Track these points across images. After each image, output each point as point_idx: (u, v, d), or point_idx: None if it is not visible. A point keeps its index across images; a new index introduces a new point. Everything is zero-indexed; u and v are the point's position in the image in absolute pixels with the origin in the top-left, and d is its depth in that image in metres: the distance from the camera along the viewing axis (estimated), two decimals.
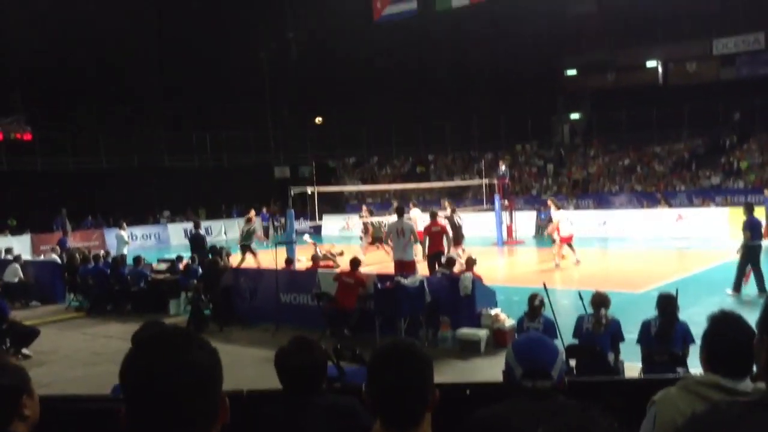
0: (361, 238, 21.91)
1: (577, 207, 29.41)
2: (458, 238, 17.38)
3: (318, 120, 26.76)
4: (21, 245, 24.44)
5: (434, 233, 14.84)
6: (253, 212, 21.39)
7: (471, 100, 39.90)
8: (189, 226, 32.92)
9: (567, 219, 18.20)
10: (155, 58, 39.02)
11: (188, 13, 37.54)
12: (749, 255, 13.16)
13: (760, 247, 13.33)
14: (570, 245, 17.81)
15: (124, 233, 21.15)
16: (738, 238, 13.98)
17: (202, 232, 19.62)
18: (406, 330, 10.37)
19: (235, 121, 37.54)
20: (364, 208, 24.93)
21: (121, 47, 34.78)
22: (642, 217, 25.10)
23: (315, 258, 15.03)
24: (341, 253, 19.69)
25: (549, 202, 19.38)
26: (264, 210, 31.63)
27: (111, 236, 29.61)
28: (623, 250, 21.04)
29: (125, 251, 19.52)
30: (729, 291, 13.04)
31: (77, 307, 15.50)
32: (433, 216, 15.30)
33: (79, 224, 30.67)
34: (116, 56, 34.79)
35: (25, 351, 10.99)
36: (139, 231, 30.29)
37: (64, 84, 33.36)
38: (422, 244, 14.78)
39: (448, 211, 18.55)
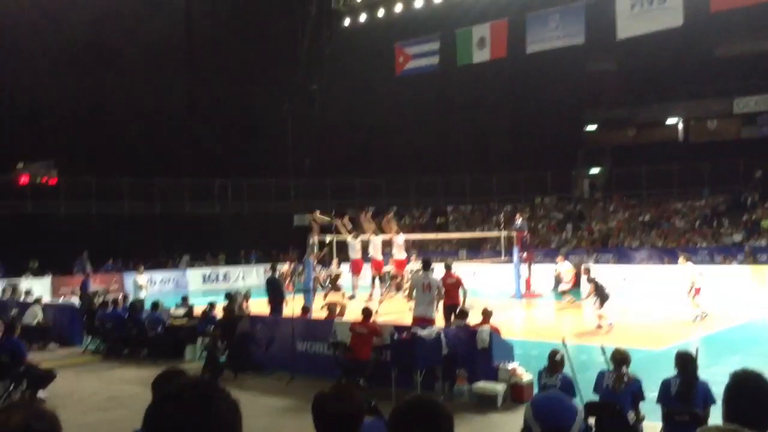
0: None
1: (597, 261, 29.21)
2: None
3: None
4: (41, 287, 24.67)
5: (449, 285, 14.52)
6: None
7: (491, 153, 40.16)
8: (207, 271, 33.29)
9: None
10: (181, 106, 39.84)
11: (215, 63, 38.46)
12: None
13: None
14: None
15: (140, 278, 21.25)
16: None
17: (277, 275, 19.32)
18: (422, 382, 10.26)
19: (256, 169, 38.02)
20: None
21: (150, 94, 35.58)
22: (663, 273, 24.84)
23: (330, 308, 14.97)
24: (352, 297, 19.59)
25: (681, 258, 18.47)
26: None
27: (130, 280, 29.88)
28: (644, 306, 20.77)
29: (142, 296, 19.62)
30: None
31: (94, 350, 15.53)
32: (448, 267, 15.08)
33: (99, 267, 30.96)
34: (145, 103, 35.58)
35: (40, 394, 10.99)
36: (158, 276, 30.47)
37: (91, 131, 34.10)
38: (436, 297, 14.31)
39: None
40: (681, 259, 18.26)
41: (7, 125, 32.01)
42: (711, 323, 16.87)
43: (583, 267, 19.22)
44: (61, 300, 22.50)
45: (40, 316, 16.90)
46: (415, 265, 19.98)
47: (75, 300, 18.95)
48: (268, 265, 22.32)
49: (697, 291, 17.36)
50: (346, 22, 38.04)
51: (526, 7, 25.21)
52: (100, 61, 34.32)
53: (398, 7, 34.27)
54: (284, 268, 25.79)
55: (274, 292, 17.04)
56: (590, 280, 17.21)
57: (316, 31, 41.22)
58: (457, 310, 12.84)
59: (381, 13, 35.44)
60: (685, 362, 6.80)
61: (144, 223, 33.76)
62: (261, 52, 39.82)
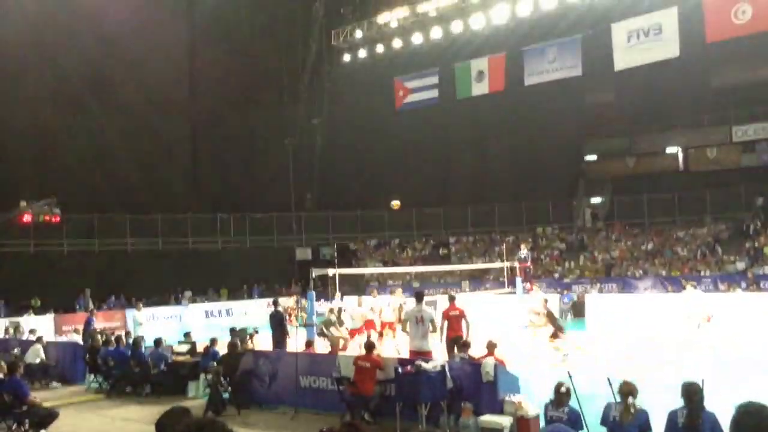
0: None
1: (601, 291, 29.15)
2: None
3: (395, 204, 26.65)
4: (44, 325, 24.58)
5: (452, 317, 14.31)
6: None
7: (492, 184, 40.32)
8: (210, 307, 33.21)
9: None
10: (184, 142, 40.14)
11: (217, 98, 38.83)
12: None
13: None
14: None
15: (140, 315, 21.16)
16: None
17: (280, 309, 19.27)
18: (427, 416, 10.17)
19: (258, 203, 38.17)
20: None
21: (151, 132, 35.91)
22: (668, 301, 24.73)
23: (333, 342, 14.91)
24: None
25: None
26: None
27: (131, 317, 29.80)
28: (650, 335, 20.64)
29: (140, 332, 19.54)
30: None
31: (97, 388, 15.43)
32: (452, 299, 14.94)
33: (101, 304, 30.91)
34: (145, 141, 35.89)
35: None
36: (160, 312, 30.39)
37: (93, 169, 34.34)
38: (440, 329, 14.10)
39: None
40: (688, 287, 18.24)
41: (9, 164, 32.27)
42: (719, 351, 16.75)
43: (542, 298, 18.25)
44: (63, 338, 22.40)
45: (42, 354, 16.83)
46: (398, 299, 19.38)
47: (78, 338, 18.85)
48: (270, 300, 22.28)
49: (708, 318, 17.29)
50: (347, 57, 38.52)
51: (523, 41, 25.59)
52: (101, 99, 34.70)
53: (397, 43, 34.72)
54: (289, 302, 25.91)
55: (278, 326, 16.99)
56: (547, 313, 16.94)
57: (316, 66, 41.74)
58: (460, 342, 12.69)
59: (380, 48, 35.90)
60: (692, 393, 6.76)
61: (146, 259, 33.80)
62: (263, 87, 40.30)
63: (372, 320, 18.34)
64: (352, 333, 17.90)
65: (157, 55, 35.71)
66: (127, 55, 34.71)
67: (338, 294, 22.43)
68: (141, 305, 22.98)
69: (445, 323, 14.29)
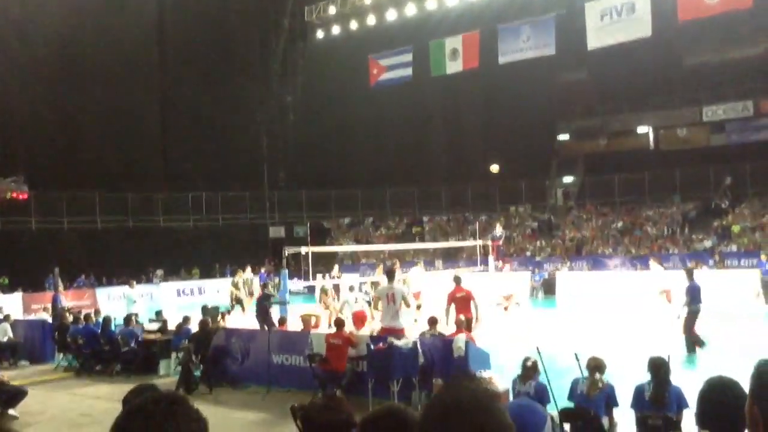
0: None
1: (571, 269, 29.49)
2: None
3: (494, 168, 27.18)
4: (12, 304, 24.24)
5: (459, 299, 13.68)
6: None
7: (466, 163, 40.40)
8: (182, 285, 33.00)
9: None
10: (154, 119, 39.56)
11: (188, 76, 38.25)
12: (693, 319, 13.56)
13: (699, 310, 13.68)
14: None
15: (133, 292, 20.88)
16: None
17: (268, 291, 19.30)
18: (398, 392, 10.24)
19: (230, 181, 37.84)
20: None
21: (121, 108, 35.31)
22: (637, 279, 25.10)
23: (305, 320, 14.91)
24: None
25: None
26: (263, 270, 31.67)
27: (103, 295, 29.47)
28: (618, 312, 20.96)
29: (134, 310, 19.40)
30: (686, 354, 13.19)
31: (66, 367, 15.29)
32: (458, 281, 14.38)
33: (71, 283, 30.54)
34: (115, 117, 35.31)
35: (11, 411, 10.79)
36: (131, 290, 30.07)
37: (62, 145, 33.77)
38: (446, 312, 13.61)
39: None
40: (651, 261, 18.59)
41: None
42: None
43: None
44: (32, 317, 22.10)
45: (9, 332, 16.61)
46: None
47: (47, 317, 18.61)
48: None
49: (668, 293, 17.59)
50: (320, 34, 38.12)
51: (497, 19, 25.51)
52: (70, 76, 34.01)
53: (371, 20, 34.42)
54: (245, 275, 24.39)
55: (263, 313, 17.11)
56: None
57: (289, 43, 41.27)
58: (429, 318, 12.58)
59: (354, 25, 35.55)
60: (658, 367, 6.88)
61: (116, 237, 33.40)
62: (235, 64, 39.76)
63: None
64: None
65: (126, 30, 35.08)
66: (96, 29, 33.99)
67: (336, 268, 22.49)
68: (134, 282, 22.67)
69: (452, 306, 13.64)
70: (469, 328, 11.89)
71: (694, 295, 13.66)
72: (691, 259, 28.15)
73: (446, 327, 12.97)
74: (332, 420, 2.82)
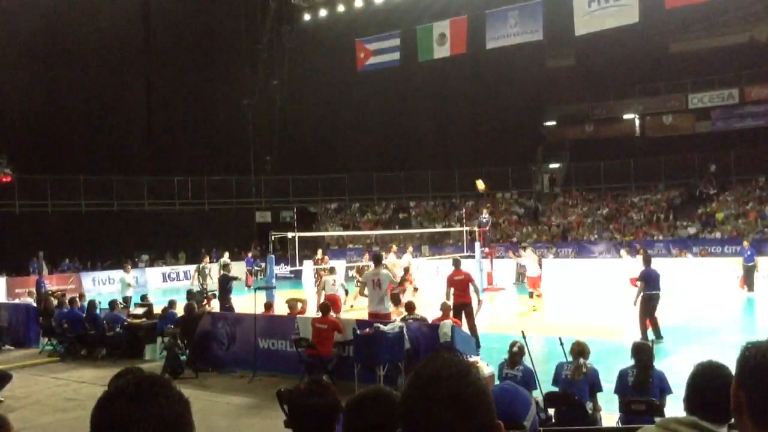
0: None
1: (557, 255, 29.65)
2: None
3: (480, 185, 28.14)
4: None
5: (458, 282, 13.60)
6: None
7: (452, 148, 40.40)
8: (167, 270, 32.89)
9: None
10: (139, 102, 39.20)
11: (174, 59, 37.87)
12: (648, 305, 13.56)
13: (657, 296, 13.69)
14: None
15: (128, 276, 20.73)
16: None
17: (230, 274, 19.52)
18: (384, 377, 10.29)
19: (217, 165, 37.63)
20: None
21: (105, 91, 34.94)
22: (622, 265, 25.27)
23: (291, 304, 14.88)
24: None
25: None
26: (249, 255, 31.66)
27: (87, 279, 29.31)
28: (603, 298, 21.13)
29: (130, 293, 19.35)
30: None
31: (51, 351, 15.21)
32: (457, 264, 14.23)
33: (55, 267, 30.34)
34: (100, 100, 34.96)
35: None
36: (116, 274, 29.96)
37: (46, 127, 33.40)
38: (446, 295, 13.50)
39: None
40: (623, 251, 18.69)
41: None
42: (667, 315, 17.22)
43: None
44: (17, 301, 21.95)
45: None
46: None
47: (31, 301, 18.49)
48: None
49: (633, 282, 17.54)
50: (307, 17, 37.87)
51: (485, 4, 25.37)
52: (54, 57, 33.56)
53: (358, 2, 34.22)
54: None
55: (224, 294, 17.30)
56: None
57: (276, 26, 40.91)
58: (406, 304, 12.61)
59: (341, 8, 35.33)
60: (641, 352, 6.96)
61: (101, 221, 33.15)
62: (220, 47, 39.41)
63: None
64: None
65: (111, 11, 34.57)
66: (81, 10, 33.50)
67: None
68: (129, 266, 22.32)
69: (451, 290, 13.54)
70: (410, 308, 11.95)
71: (649, 281, 13.70)
72: (674, 246, 28.42)
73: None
74: (318, 404, 2.84)
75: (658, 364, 7.16)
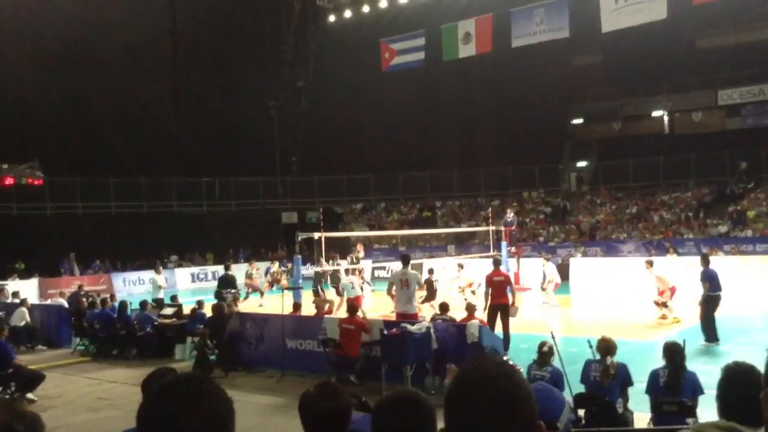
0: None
1: (585, 254, 29.35)
2: (432, 296, 17.74)
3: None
4: (28, 289, 24.47)
5: (497, 283, 13.31)
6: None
7: (478, 148, 40.25)
8: (196, 270, 33.22)
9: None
10: (167, 105, 39.62)
11: (200, 61, 38.27)
12: (710, 305, 13.24)
13: (719, 297, 13.38)
14: None
15: (159, 277, 20.82)
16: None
17: (231, 273, 20.39)
18: (412, 377, 10.27)
19: (243, 167, 37.91)
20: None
21: (135, 94, 35.38)
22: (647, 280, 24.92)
23: (319, 305, 14.94)
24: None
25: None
26: (269, 264, 31.89)
27: (118, 280, 29.72)
28: (632, 298, 20.88)
29: (161, 295, 19.51)
30: (703, 342, 12.95)
31: (83, 351, 15.45)
32: (497, 263, 14.07)
33: (86, 268, 30.78)
34: (129, 103, 35.39)
35: (29, 395, 10.94)
36: (146, 275, 30.32)
37: (76, 131, 33.91)
38: (484, 295, 13.40)
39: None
40: (645, 266, 17.83)
41: None
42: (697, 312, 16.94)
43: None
44: (49, 302, 22.32)
45: (27, 317, 16.79)
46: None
47: (63, 302, 18.78)
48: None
49: (661, 293, 16.81)
50: (332, 18, 37.97)
51: (510, 2, 25.22)
52: (83, 62, 34.07)
53: (383, 3, 34.23)
54: (274, 268, 26.02)
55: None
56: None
57: (301, 27, 41.08)
58: (440, 304, 12.60)
59: (366, 9, 35.37)
60: (673, 353, 6.87)
61: (130, 222, 33.58)
62: (246, 49, 39.66)
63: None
64: None
65: (138, 16, 35.01)
66: (108, 16, 33.99)
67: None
68: (161, 267, 22.38)
69: (489, 290, 13.30)
70: (444, 308, 11.97)
71: (713, 282, 13.39)
72: (705, 244, 27.96)
73: (483, 313, 12.89)
74: (328, 408, 2.79)
75: (689, 364, 7.06)
